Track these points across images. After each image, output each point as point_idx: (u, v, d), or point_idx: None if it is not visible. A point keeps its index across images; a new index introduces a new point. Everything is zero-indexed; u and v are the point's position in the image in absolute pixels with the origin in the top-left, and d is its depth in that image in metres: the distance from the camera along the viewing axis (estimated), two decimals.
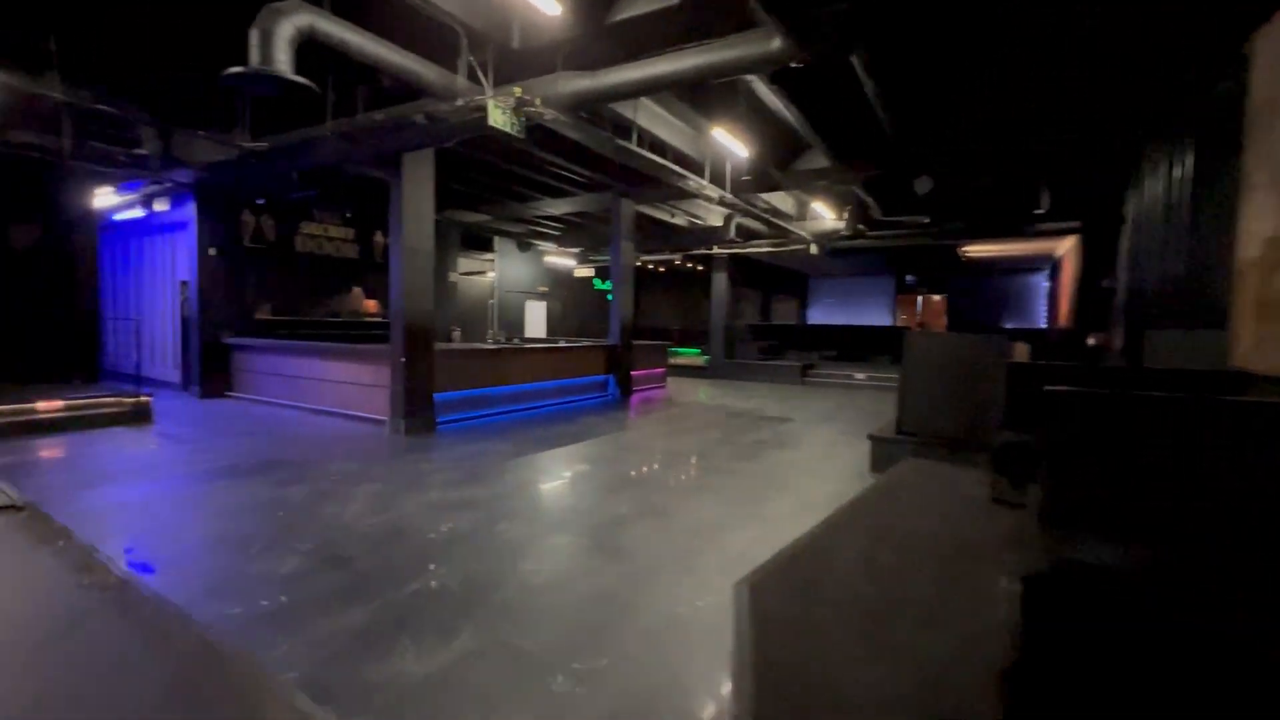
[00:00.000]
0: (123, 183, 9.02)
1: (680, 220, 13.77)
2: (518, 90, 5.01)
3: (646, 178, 9.98)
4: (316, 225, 11.39)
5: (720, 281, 15.73)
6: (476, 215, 13.06)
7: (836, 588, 1.64)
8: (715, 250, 15.01)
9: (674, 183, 8.16)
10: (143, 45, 5.77)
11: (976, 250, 15.44)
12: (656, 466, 6.18)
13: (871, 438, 5.81)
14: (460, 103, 5.18)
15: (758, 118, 7.21)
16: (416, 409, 7.23)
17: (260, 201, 9.89)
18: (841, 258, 16.90)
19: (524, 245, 17.27)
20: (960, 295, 20.77)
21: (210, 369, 9.67)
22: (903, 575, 1.69)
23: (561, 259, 18.18)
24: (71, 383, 8.81)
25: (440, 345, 8.24)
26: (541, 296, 18.50)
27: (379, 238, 12.50)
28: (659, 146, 7.47)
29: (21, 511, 2.63)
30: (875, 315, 22.12)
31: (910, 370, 5.36)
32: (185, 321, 9.98)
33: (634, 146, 6.86)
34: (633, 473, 5.81)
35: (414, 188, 7.15)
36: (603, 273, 19.49)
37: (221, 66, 4.17)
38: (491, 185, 11.30)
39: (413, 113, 5.64)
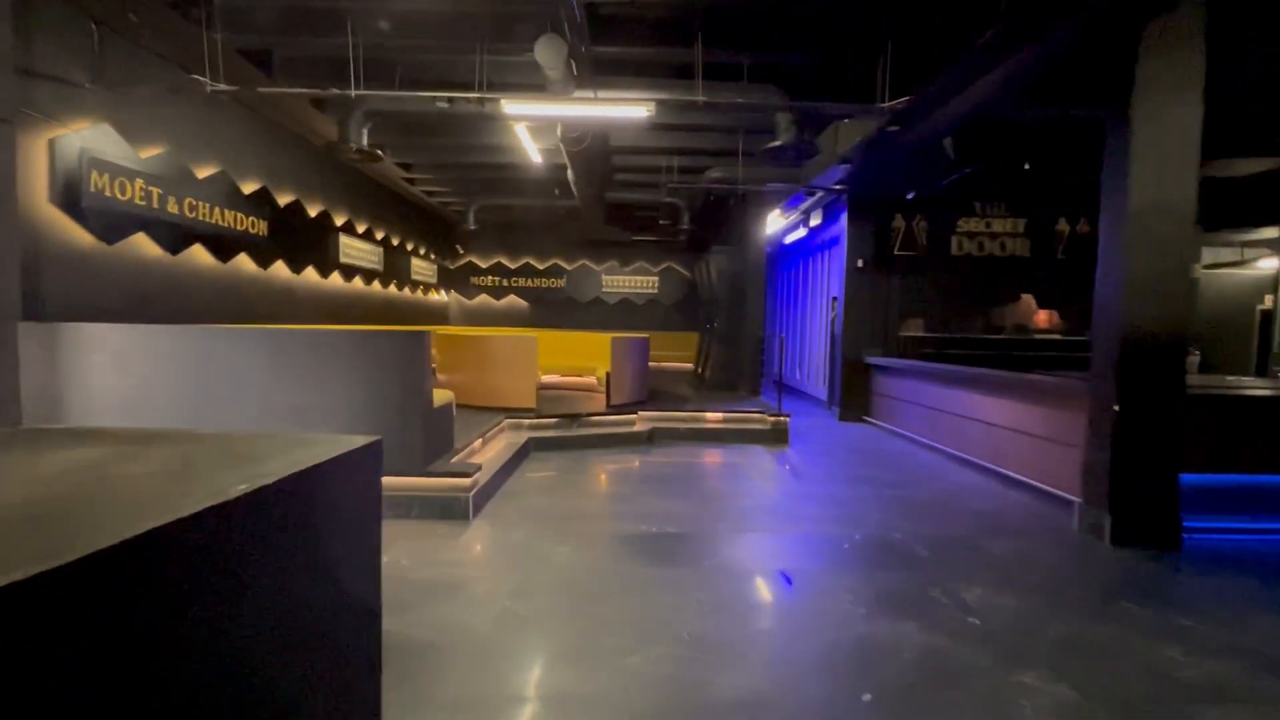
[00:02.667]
0: (785, 201, 9.32)
1: None
2: None
3: None
4: (976, 220, 9.23)
5: None
6: (1256, 162, 7.72)
7: None
8: None
9: None
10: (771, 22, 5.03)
11: None
12: None
13: None
14: None
15: None
16: (1138, 497, 3.96)
17: (910, 196, 8.45)
18: None
19: None
20: None
21: (850, 389, 8.98)
22: None
23: None
24: (739, 391, 9.76)
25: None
26: None
27: (1061, 225, 9.23)
28: None
29: None
30: None
31: None
32: (834, 339, 9.66)
33: None
34: None
35: (1159, 101, 3.90)
36: None
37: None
38: None
39: None
